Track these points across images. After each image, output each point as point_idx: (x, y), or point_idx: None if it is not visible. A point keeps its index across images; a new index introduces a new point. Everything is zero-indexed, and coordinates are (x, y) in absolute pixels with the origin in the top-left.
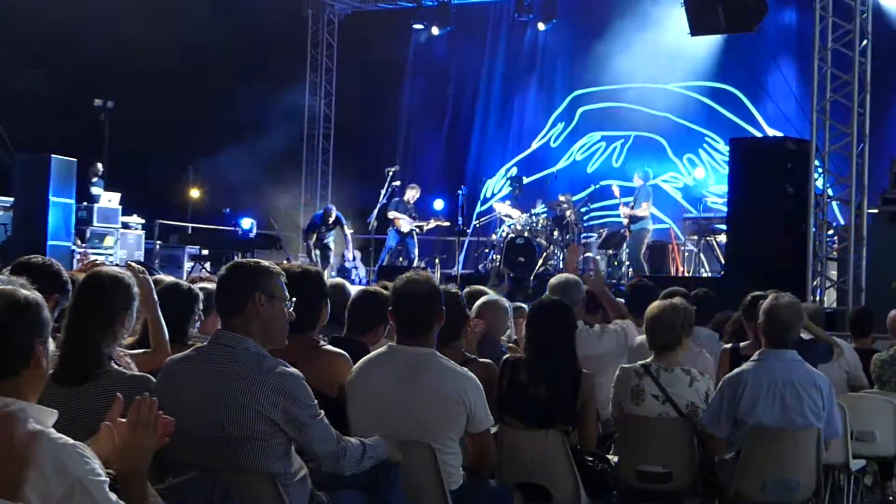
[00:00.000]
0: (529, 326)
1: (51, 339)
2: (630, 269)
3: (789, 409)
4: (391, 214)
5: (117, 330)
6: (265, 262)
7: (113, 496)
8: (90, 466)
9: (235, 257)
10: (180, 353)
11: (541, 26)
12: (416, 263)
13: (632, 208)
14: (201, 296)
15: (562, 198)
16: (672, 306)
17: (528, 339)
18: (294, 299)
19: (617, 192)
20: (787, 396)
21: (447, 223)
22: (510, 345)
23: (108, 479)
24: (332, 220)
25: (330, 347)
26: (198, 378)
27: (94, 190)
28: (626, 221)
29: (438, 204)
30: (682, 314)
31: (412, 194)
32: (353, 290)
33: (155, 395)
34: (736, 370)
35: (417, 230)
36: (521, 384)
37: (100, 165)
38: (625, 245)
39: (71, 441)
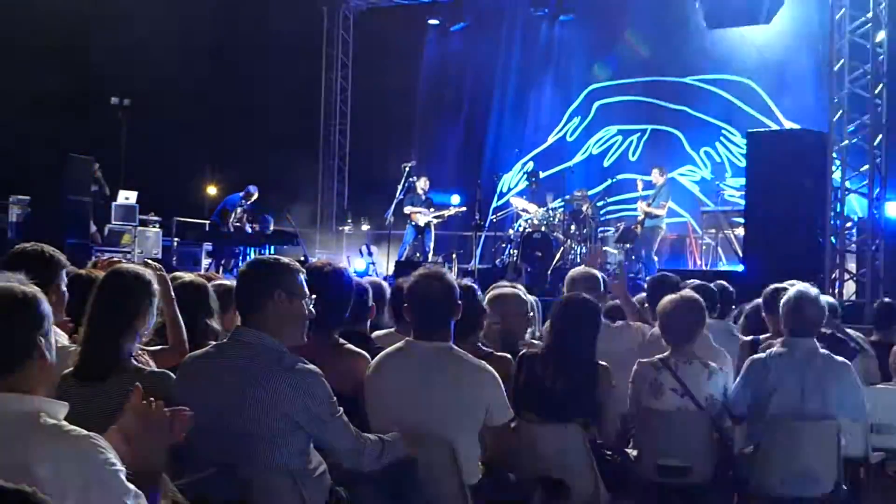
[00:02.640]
0: (554, 320)
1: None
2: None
3: (811, 398)
4: (407, 210)
5: (138, 327)
6: (285, 259)
7: (131, 486)
8: (105, 457)
9: (253, 255)
10: (200, 350)
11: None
12: (430, 257)
13: (649, 205)
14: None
15: (577, 193)
16: (683, 299)
17: (550, 333)
18: (314, 296)
19: (640, 186)
20: (810, 385)
21: (464, 208)
22: (532, 340)
23: (124, 468)
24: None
25: (351, 347)
26: (217, 375)
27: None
28: (641, 217)
29: (455, 199)
30: (695, 306)
31: (422, 184)
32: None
33: (174, 391)
34: (761, 355)
35: (436, 220)
36: (538, 378)
37: (96, 165)
38: (640, 243)
39: (85, 432)
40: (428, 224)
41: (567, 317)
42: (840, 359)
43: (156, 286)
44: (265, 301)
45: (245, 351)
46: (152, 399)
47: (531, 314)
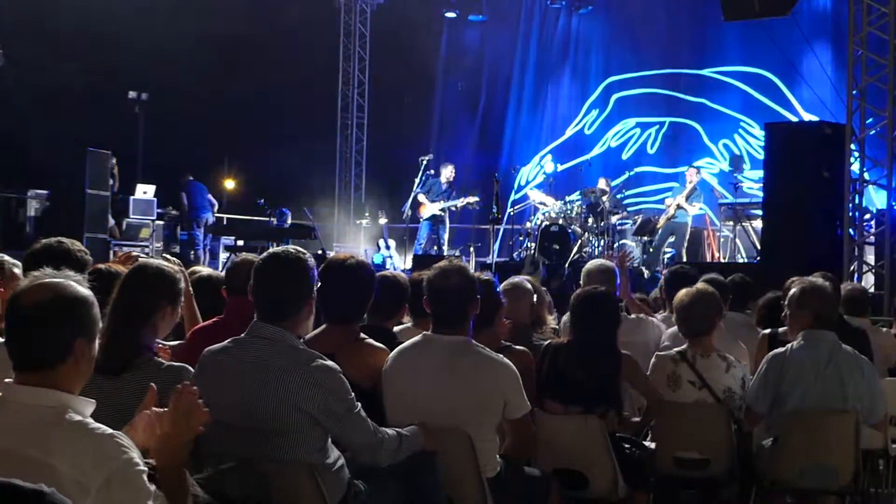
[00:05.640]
0: (574, 315)
1: None
2: (665, 257)
3: (830, 391)
4: (420, 197)
5: (158, 322)
6: (303, 254)
7: (151, 485)
8: (128, 455)
9: (271, 247)
10: (217, 345)
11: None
12: (446, 251)
13: (687, 199)
14: None
15: (602, 181)
16: (700, 292)
17: (572, 327)
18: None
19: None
20: (829, 377)
21: (476, 198)
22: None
23: (146, 468)
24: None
25: (371, 341)
26: (235, 370)
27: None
28: (672, 211)
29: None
30: (711, 299)
31: (448, 174)
32: None
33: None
34: (780, 349)
35: (440, 211)
36: (562, 368)
37: (113, 160)
38: (658, 235)
39: (109, 430)
40: (441, 217)
41: (586, 311)
42: (861, 354)
43: (182, 284)
44: (301, 306)
45: (263, 346)
46: (187, 382)
47: (542, 302)
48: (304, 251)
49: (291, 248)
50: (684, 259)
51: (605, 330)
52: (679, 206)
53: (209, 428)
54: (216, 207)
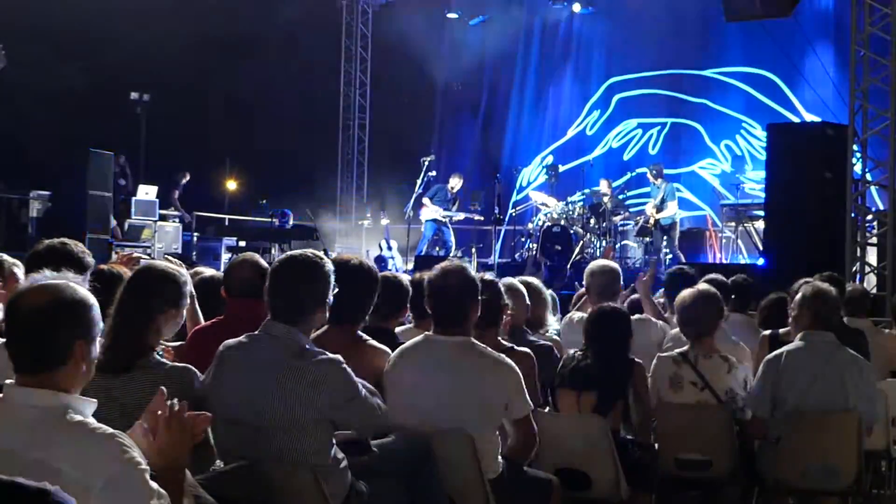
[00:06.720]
0: (589, 332)
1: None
2: (668, 258)
3: (831, 391)
4: (424, 200)
5: (160, 324)
6: (320, 259)
7: (154, 484)
8: (130, 455)
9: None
10: (234, 339)
11: (576, 8)
12: (452, 252)
13: (658, 210)
14: None
15: (603, 182)
16: (701, 293)
17: (586, 344)
18: (337, 289)
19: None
20: (829, 378)
21: (480, 217)
22: (554, 337)
23: (148, 467)
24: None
25: (372, 342)
26: (245, 367)
27: (120, 181)
28: (652, 221)
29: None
30: (713, 299)
31: (455, 183)
32: None
33: (205, 382)
34: (778, 350)
35: (443, 218)
36: (577, 368)
37: (123, 158)
38: (658, 239)
39: (110, 430)
40: (443, 220)
41: (600, 329)
42: (859, 355)
43: (189, 287)
44: (313, 310)
45: (272, 345)
46: (175, 401)
47: (542, 303)
48: (322, 256)
49: (309, 251)
50: (681, 258)
51: (619, 346)
52: (656, 219)
53: (217, 426)
54: (176, 210)
